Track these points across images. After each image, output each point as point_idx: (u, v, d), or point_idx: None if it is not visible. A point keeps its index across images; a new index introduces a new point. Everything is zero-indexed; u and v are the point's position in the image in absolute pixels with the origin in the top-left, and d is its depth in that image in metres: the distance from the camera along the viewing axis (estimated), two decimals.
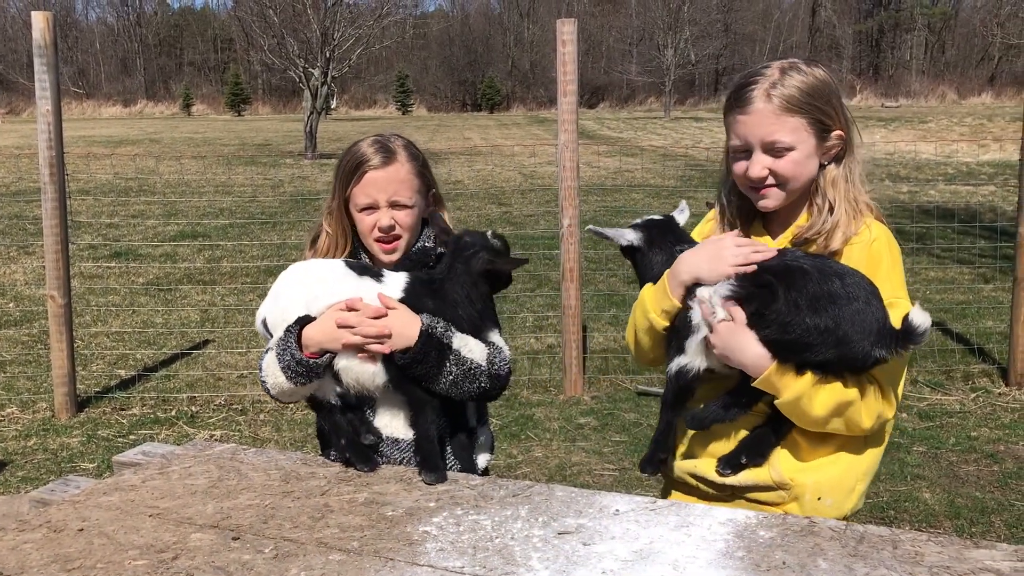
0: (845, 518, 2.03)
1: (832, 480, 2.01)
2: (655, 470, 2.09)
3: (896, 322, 1.85)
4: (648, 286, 2.07)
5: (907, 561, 1.58)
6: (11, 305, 8.25)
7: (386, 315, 2.09)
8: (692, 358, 1.98)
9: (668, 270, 2.02)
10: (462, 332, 2.13)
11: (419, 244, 2.39)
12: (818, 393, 1.88)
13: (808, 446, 2.00)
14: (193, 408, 5.77)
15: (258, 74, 60.27)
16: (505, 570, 1.60)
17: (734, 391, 1.99)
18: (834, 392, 1.88)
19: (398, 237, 2.32)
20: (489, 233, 2.19)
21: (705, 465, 2.07)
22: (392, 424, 2.24)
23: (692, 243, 2.10)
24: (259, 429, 5.42)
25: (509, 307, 7.83)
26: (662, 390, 2.10)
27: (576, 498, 1.89)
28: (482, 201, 14.34)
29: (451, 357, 2.08)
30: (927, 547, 1.63)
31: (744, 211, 2.14)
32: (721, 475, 2.03)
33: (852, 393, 1.88)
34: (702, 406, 2.03)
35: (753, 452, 2.01)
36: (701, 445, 2.09)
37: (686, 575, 1.57)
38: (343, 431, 2.15)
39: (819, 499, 2.00)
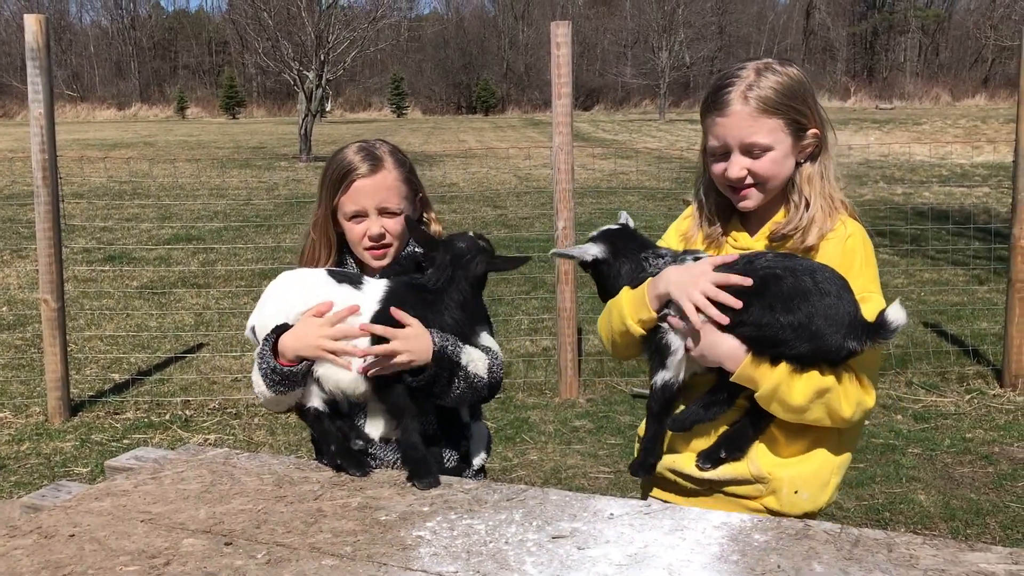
0: (820, 511, 2.08)
1: (808, 474, 2.05)
2: (647, 474, 2.15)
3: (869, 316, 1.90)
4: (626, 290, 2.10)
5: (902, 564, 1.57)
6: (4, 309, 8.22)
7: (358, 312, 2.09)
8: (674, 373, 2.04)
9: (650, 279, 2.05)
10: (457, 337, 2.13)
11: (408, 250, 2.39)
12: (796, 381, 1.92)
13: (785, 440, 2.04)
14: (187, 412, 5.75)
15: (253, 77, 60.21)
16: (499, 575, 1.59)
17: (713, 390, 2.04)
18: (812, 380, 1.92)
19: (389, 245, 2.32)
20: (471, 234, 2.20)
21: (684, 460, 2.11)
22: (385, 426, 2.23)
23: (655, 247, 2.15)
24: (253, 433, 5.40)
25: (504, 310, 7.82)
26: None
27: (570, 502, 1.88)
28: (477, 204, 14.33)
29: (460, 374, 2.11)
30: (922, 550, 1.62)
31: (721, 208, 2.18)
32: (701, 469, 2.07)
33: (829, 380, 1.92)
34: (683, 408, 2.08)
35: (732, 446, 2.04)
36: (681, 441, 2.13)
37: None
38: (332, 438, 2.15)
39: (796, 492, 2.04)
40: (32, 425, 5.55)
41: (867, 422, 5.34)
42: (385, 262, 2.33)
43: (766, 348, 1.92)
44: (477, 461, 2.38)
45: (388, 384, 2.10)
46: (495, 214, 13.36)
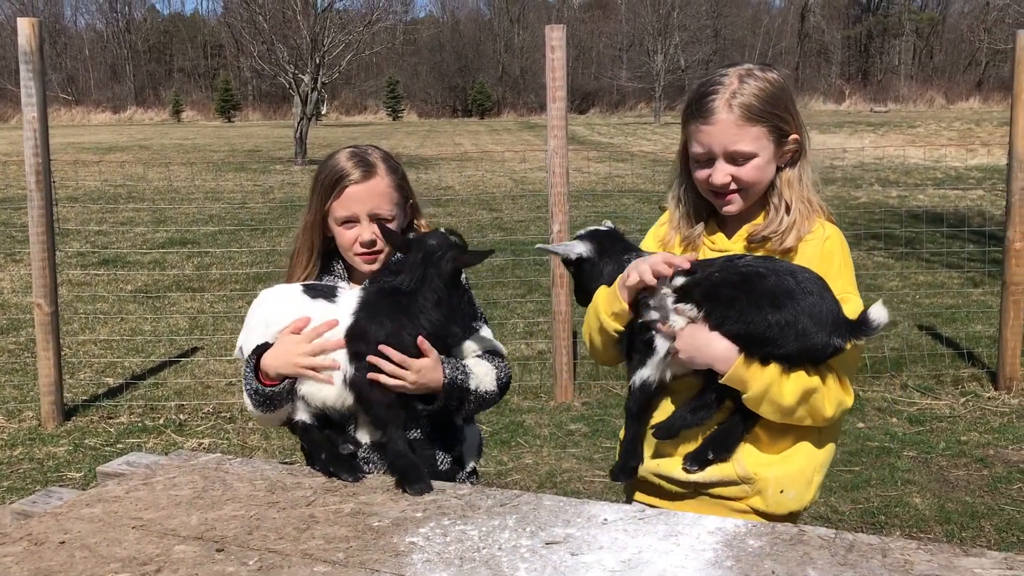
0: (804, 510, 2.10)
1: (793, 473, 2.07)
2: (628, 478, 2.15)
3: (851, 315, 1.94)
4: (602, 289, 2.13)
5: (897, 570, 1.57)
6: None
7: (336, 325, 2.13)
8: (654, 372, 2.05)
9: (621, 275, 2.07)
10: (430, 336, 2.12)
11: (397, 255, 2.38)
12: (785, 382, 1.94)
13: (769, 440, 2.06)
14: (181, 416, 5.73)
15: (248, 80, 60.15)
16: None
17: (700, 395, 2.05)
18: (800, 379, 1.94)
19: (380, 251, 2.32)
20: (442, 231, 2.21)
21: (669, 463, 2.11)
22: (376, 432, 2.22)
23: (638, 250, 2.18)
24: (248, 437, 5.38)
25: (500, 313, 7.81)
26: None
27: (564, 507, 1.88)
28: (473, 207, 14.33)
29: (470, 398, 2.22)
30: (917, 555, 1.61)
31: (698, 209, 2.21)
32: (688, 472, 2.07)
33: (816, 380, 1.96)
34: (669, 414, 2.09)
35: (719, 447, 2.05)
36: (663, 444, 2.12)
37: None
38: (323, 446, 2.15)
39: (781, 492, 2.06)
40: (25, 430, 5.53)
41: (861, 424, 5.35)
42: (375, 267, 2.32)
43: (756, 347, 1.93)
44: (470, 464, 2.39)
45: (371, 396, 2.09)
46: (491, 217, 13.36)
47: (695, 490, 2.10)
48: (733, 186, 2.08)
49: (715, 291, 1.96)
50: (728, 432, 2.05)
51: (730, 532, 1.73)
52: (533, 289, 8.59)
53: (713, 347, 1.96)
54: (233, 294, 8.76)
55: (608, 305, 2.08)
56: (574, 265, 2.20)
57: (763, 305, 1.91)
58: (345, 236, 2.32)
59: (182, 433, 5.47)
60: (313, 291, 2.20)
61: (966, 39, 57.99)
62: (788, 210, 2.09)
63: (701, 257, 2.17)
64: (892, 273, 9.17)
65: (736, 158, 2.06)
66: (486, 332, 2.40)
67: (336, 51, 24.27)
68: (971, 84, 55.19)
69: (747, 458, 2.05)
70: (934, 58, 61.78)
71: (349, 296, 2.17)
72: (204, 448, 5.23)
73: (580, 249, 2.16)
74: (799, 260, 2.06)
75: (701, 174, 2.11)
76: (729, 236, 2.18)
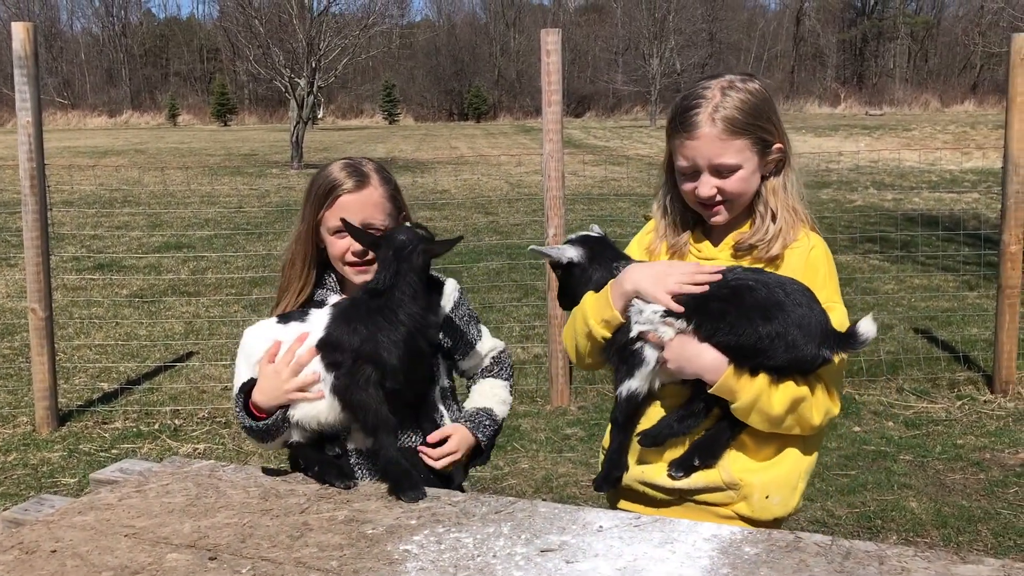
0: (789, 515, 2.11)
1: (779, 479, 2.07)
2: (611, 487, 2.15)
3: (836, 325, 1.97)
4: (590, 294, 2.12)
5: None
6: None
7: (305, 339, 2.15)
8: (642, 383, 2.05)
9: (612, 280, 2.07)
10: (411, 331, 2.11)
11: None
12: (775, 392, 1.95)
13: (754, 446, 2.06)
14: (176, 421, 5.71)
15: (244, 84, 60.09)
16: None
17: (688, 404, 2.05)
18: (789, 389, 1.96)
19: (371, 261, 2.31)
20: (408, 225, 2.26)
21: (653, 470, 2.11)
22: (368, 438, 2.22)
23: (627, 258, 2.18)
24: (243, 442, 5.36)
25: (495, 316, 7.80)
26: None
27: (559, 514, 1.87)
28: (469, 210, 14.33)
29: (497, 430, 2.41)
30: (914, 563, 1.61)
31: (685, 218, 2.22)
32: (673, 478, 2.07)
33: (804, 390, 1.97)
34: (655, 423, 2.08)
35: (706, 454, 2.05)
36: (647, 451, 2.12)
37: None
38: (315, 458, 2.15)
39: (767, 497, 2.06)
40: (19, 435, 5.51)
41: (857, 428, 5.34)
42: (366, 278, 2.30)
43: (746, 358, 1.94)
44: (457, 480, 2.39)
45: (356, 401, 2.08)
46: (487, 220, 13.35)
47: (680, 497, 2.10)
48: (719, 198, 2.10)
49: (705, 304, 1.96)
50: (715, 439, 2.05)
51: (726, 539, 1.72)
52: (529, 293, 8.58)
53: (703, 358, 1.96)
54: (229, 298, 8.74)
55: (598, 311, 2.07)
56: (563, 269, 2.19)
57: (753, 317, 1.92)
58: (337, 246, 2.32)
59: (177, 438, 5.45)
60: (286, 318, 2.25)
61: (961, 42, 58.11)
62: (774, 218, 2.11)
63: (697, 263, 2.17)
64: (888, 276, 9.18)
65: (721, 170, 2.07)
66: (486, 335, 2.49)
67: (332, 55, 24.26)
68: (966, 87, 55.31)
69: (733, 464, 2.06)
70: (929, 61, 61.92)
71: (319, 315, 2.18)
72: (199, 453, 5.22)
73: (571, 254, 2.17)
74: (785, 268, 2.08)
75: (687, 187, 2.12)
76: (715, 244, 2.19)
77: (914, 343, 6.95)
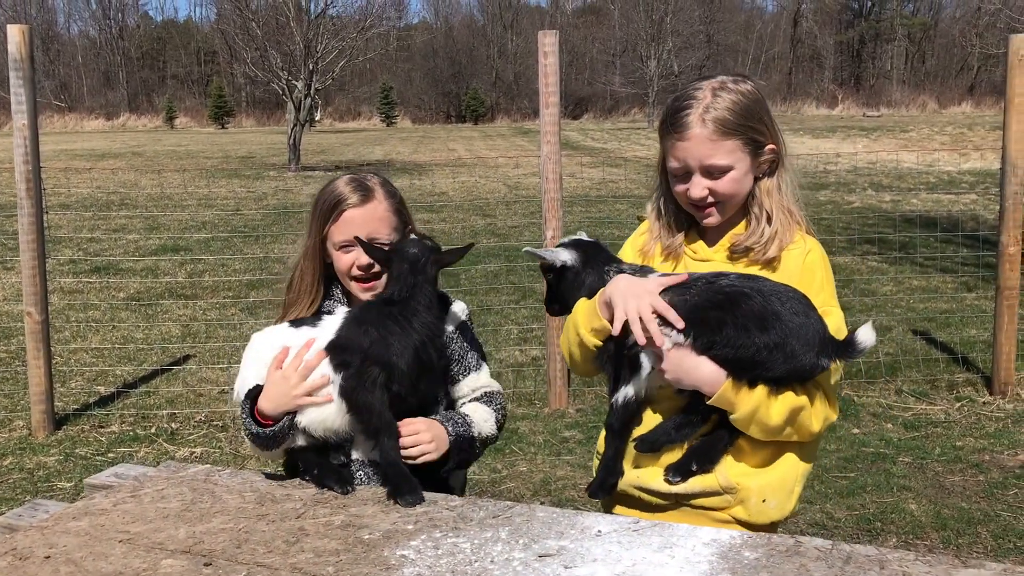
0: (785, 519, 2.10)
1: (775, 482, 2.06)
2: (607, 495, 2.13)
3: (833, 329, 1.95)
4: (582, 302, 2.11)
5: None
6: None
7: (312, 344, 2.16)
8: (637, 389, 2.03)
9: (602, 289, 2.06)
10: (423, 339, 2.13)
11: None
12: (773, 403, 1.94)
13: (751, 450, 2.05)
14: (173, 425, 5.69)
15: (241, 87, 60.07)
16: None
17: (685, 411, 2.04)
18: (787, 400, 1.95)
19: (378, 275, 2.32)
20: (415, 237, 2.28)
21: (649, 475, 2.09)
22: (370, 444, 2.20)
23: (620, 262, 2.16)
24: (240, 446, 5.34)
25: (494, 319, 7.79)
26: None
27: (557, 519, 1.85)
28: (466, 212, 14.31)
29: (476, 446, 2.28)
30: (915, 567, 1.59)
31: (679, 220, 2.21)
32: (670, 483, 2.05)
33: (803, 399, 1.96)
34: (651, 428, 2.07)
35: (703, 459, 2.04)
36: (642, 456, 2.10)
37: None
38: (315, 461, 2.14)
39: (763, 501, 2.05)
40: (16, 439, 5.48)
41: (856, 430, 5.33)
42: (372, 292, 2.33)
43: (744, 371, 1.92)
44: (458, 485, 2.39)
45: (361, 402, 2.08)
46: (484, 223, 13.34)
47: (677, 502, 2.08)
48: (711, 199, 2.09)
49: (701, 314, 1.94)
50: (712, 444, 2.03)
51: (725, 544, 1.71)
52: (527, 295, 8.57)
53: (700, 370, 1.94)
54: (226, 301, 8.73)
55: (588, 320, 2.06)
56: (555, 273, 2.18)
57: (751, 328, 1.90)
58: (343, 260, 2.34)
59: (174, 442, 5.43)
60: (297, 323, 2.26)
61: (958, 44, 58.21)
62: (769, 220, 2.09)
63: (682, 267, 2.16)
64: (886, 278, 9.17)
65: (712, 171, 2.06)
66: (485, 371, 2.43)
67: (329, 57, 24.24)
68: (963, 88, 55.38)
69: (730, 468, 2.04)
70: (926, 63, 61.99)
71: (332, 320, 2.20)
72: (196, 457, 5.20)
73: (565, 257, 2.15)
74: (781, 271, 2.06)
75: (679, 188, 2.12)
76: (710, 245, 2.18)
77: (913, 345, 6.94)
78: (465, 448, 2.23)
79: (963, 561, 1.61)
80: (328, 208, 2.33)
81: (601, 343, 2.05)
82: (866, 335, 1.89)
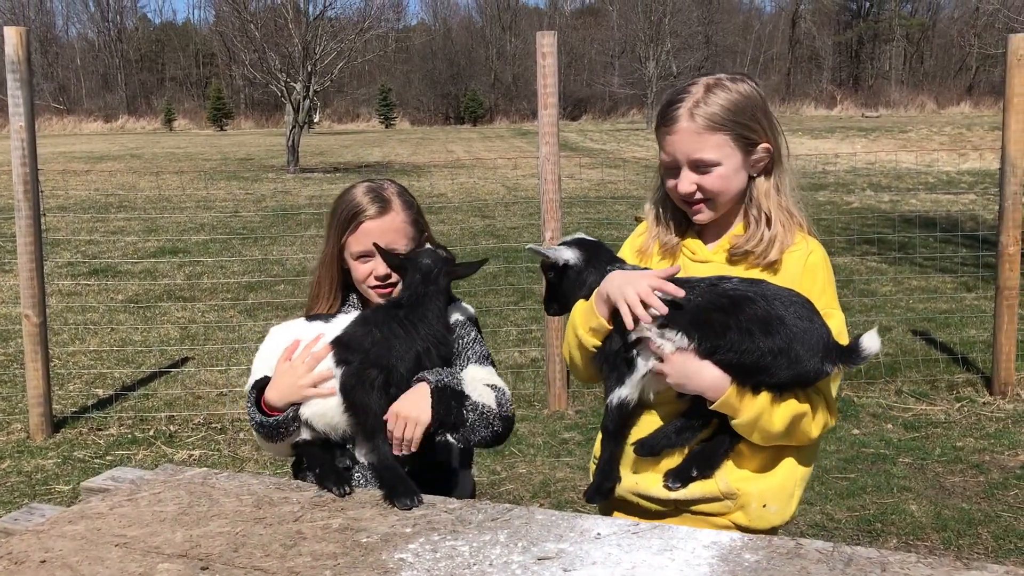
0: (786, 524, 2.08)
1: (775, 487, 2.05)
2: (603, 499, 2.11)
3: (834, 330, 1.94)
4: (580, 303, 2.10)
5: None
6: None
7: (320, 338, 2.19)
8: (632, 391, 2.01)
9: (598, 288, 2.04)
10: (427, 346, 2.15)
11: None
12: (776, 409, 1.92)
13: (751, 455, 2.04)
14: (172, 427, 5.68)
15: (240, 89, 60.03)
16: None
17: (687, 416, 2.02)
18: (790, 406, 1.93)
19: (394, 285, 2.34)
20: (430, 247, 2.30)
21: (648, 481, 2.07)
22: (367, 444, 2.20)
23: (622, 262, 2.15)
24: (238, 448, 5.33)
25: (493, 320, 7.77)
26: None
27: (556, 521, 1.84)
28: (465, 214, 14.30)
29: (468, 404, 2.11)
30: (916, 569, 1.58)
31: (677, 218, 2.20)
32: (670, 489, 2.04)
33: (805, 406, 1.95)
34: (651, 431, 2.05)
35: (704, 464, 2.02)
36: (641, 461, 2.08)
37: None
38: (318, 459, 2.14)
39: (764, 506, 2.04)
40: (13, 442, 5.47)
41: (856, 431, 5.32)
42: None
43: (749, 376, 1.90)
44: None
45: (359, 400, 2.09)
46: (483, 224, 13.33)
47: (676, 508, 2.07)
48: (699, 195, 2.07)
49: (704, 317, 1.92)
50: (713, 450, 2.02)
51: (726, 546, 1.70)
52: (526, 296, 8.56)
53: (703, 375, 1.92)
54: (224, 303, 8.71)
55: (586, 320, 2.04)
56: (557, 272, 2.16)
57: (755, 333, 1.88)
58: (360, 270, 2.36)
59: (172, 445, 5.42)
60: (312, 318, 2.31)
61: (956, 44, 58.27)
62: (769, 222, 2.07)
63: (680, 265, 2.14)
64: (885, 278, 9.17)
65: (700, 166, 2.05)
66: (490, 369, 2.34)
67: (328, 59, 24.24)
68: (961, 89, 55.41)
69: (730, 473, 2.03)
70: (924, 63, 62.02)
71: (346, 316, 2.25)
72: (194, 459, 5.19)
73: (567, 256, 2.13)
74: (782, 274, 2.05)
75: (670, 183, 2.11)
76: (707, 243, 2.17)
77: (912, 345, 6.93)
78: (450, 400, 2.07)
79: (965, 564, 1.59)
80: (346, 219, 2.36)
81: (600, 343, 2.03)
82: (870, 342, 1.87)
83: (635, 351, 1.98)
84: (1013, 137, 5.62)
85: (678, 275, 2.01)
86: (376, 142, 36.88)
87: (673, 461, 2.05)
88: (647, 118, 45.68)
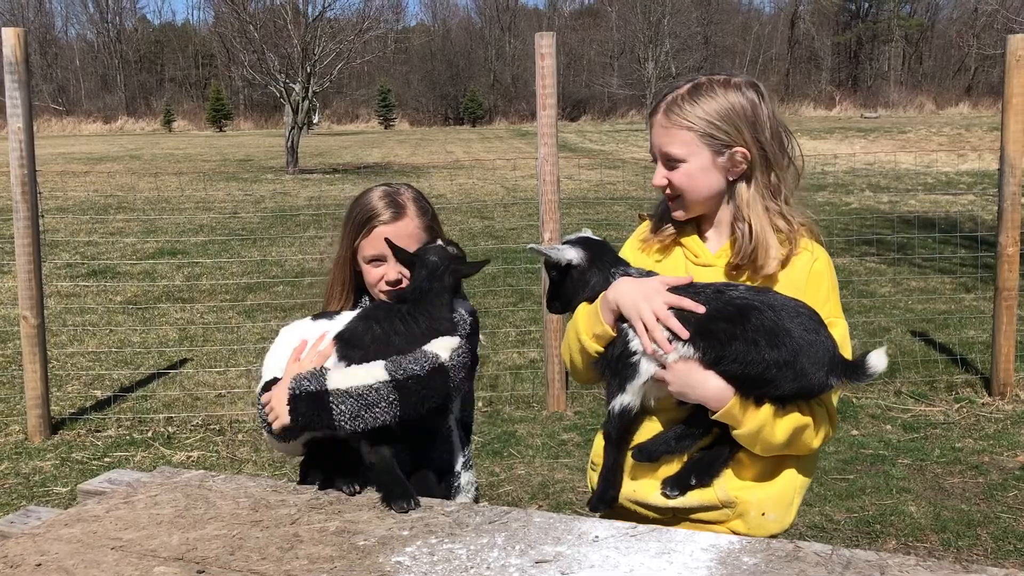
0: (785, 532, 2.06)
1: (774, 495, 2.03)
2: (607, 507, 2.08)
3: (838, 339, 1.92)
4: (583, 307, 2.07)
5: None
6: None
7: (325, 336, 2.19)
8: (634, 397, 1.98)
9: (603, 293, 2.02)
10: (443, 335, 2.13)
11: None
12: (779, 421, 1.90)
13: (750, 462, 2.02)
14: (170, 429, 5.67)
15: (239, 90, 60.01)
16: None
17: (687, 423, 2.00)
18: (793, 419, 1.92)
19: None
20: (440, 244, 2.29)
21: (645, 489, 2.05)
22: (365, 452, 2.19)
23: (627, 265, 2.11)
24: (237, 450, 5.33)
25: (491, 321, 7.77)
26: None
27: (554, 524, 1.83)
28: (464, 215, 14.30)
29: (330, 399, 2.03)
30: (916, 572, 1.58)
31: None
32: (668, 497, 2.02)
33: (807, 418, 1.93)
34: (651, 437, 2.03)
35: (703, 473, 2.00)
36: (639, 468, 2.06)
37: None
38: (329, 457, 2.14)
39: (763, 515, 2.02)
40: (11, 444, 5.46)
41: (855, 432, 5.31)
42: None
43: (753, 388, 1.88)
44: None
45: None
46: (482, 225, 13.33)
47: (674, 516, 2.04)
48: (669, 191, 2.09)
49: (709, 327, 1.89)
50: (713, 459, 2.00)
51: (724, 549, 1.69)
52: (525, 297, 8.56)
53: (707, 386, 1.90)
54: (223, 304, 8.70)
55: (589, 325, 2.02)
56: (560, 271, 2.12)
57: (761, 344, 1.85)
58: (372, 274, 2.36)
59: (171, 446, 5.41)
60: (317, 317, 2.31)
61: (955, 45, 58.30)
62: (751, 231, 2.02)
63: (681, 266, 2.12)
64: (884, 279, 9.16)
65: (668, 160, 2.06)
66: (445, 340, 2.16)
67: (327, 60, 24.23)
68: (960, 89, 55.45)
69: (728, 482, 2.01)
70: (923, 64, 62.06)
71: (348, 314, 2.26)
72: (193, 461, 5.18)
73: (571, 255, 2.09)
74: (785, 282, 2.01)
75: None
76: (705, 241, 2.15)
77: (911, 346, 6.93)
78: (301, 403, 2.04)
79: (964, 567, 1.59)
80: (360, 223, 2.36)
81: (603, 348, 2.01)
82: (877, 360, 1.84)
83: (634, 354, 1.96)
84: (1012, 138, 5.61)
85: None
86: (375, 143, 36.87)
87: (671, 468, 2.03)
88: (646, 119, 45.69)
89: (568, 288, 2.12)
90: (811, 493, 4.46)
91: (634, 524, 1.84)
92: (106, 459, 5.21)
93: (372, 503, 1.98)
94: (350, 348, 2.13)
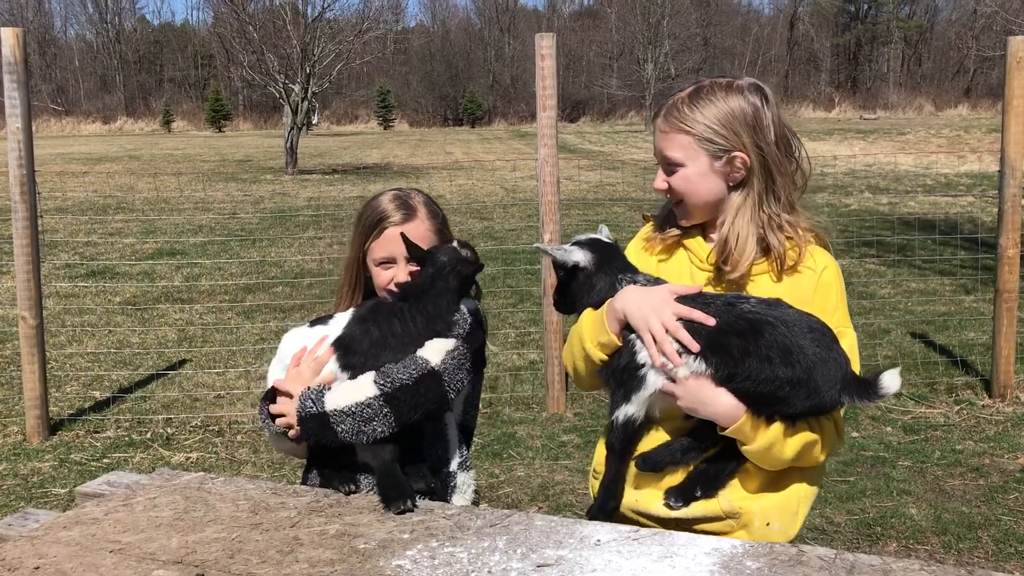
0: (791, 542, 2.02)
1: (779, 505, 2.01)
2: (608, 518, 2.03)
3: (847, 350, 1.90)
4: (588, 313, 2.04)
5: None
6: None
7: (324, 340, 2.21)
8: (639, 409, 1.95)
9: (609, 300, 1.98)
10: (442, 336, 2.13)
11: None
12: (789, 440, 1.88)
13: (755, 473, 1.99)
14: (169, 430, 5.65)
15: (239, 90, 59.98)
16: None
17: (693, 436, 1.97)
18: (803, 436, 1.90)
19: None
20: (454, 244, 2.27)
21: (648, 498, 2.02)
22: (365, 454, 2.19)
23: (635, 271, 2.06)
24: (236, 451, 5.31)
25: (491, 322, 7.70)
26: None
27: (556, 528, 1.82)
28: (464, 216, 14.29)
29: (331, 420, 2.05)
30: None
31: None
32: (671, 508, 1.99)
33: (816, 435, 1.92)
34: (655, 446, 2.00)
35: (709, 485, 1.97)
36: (642, 478, 2.03)
37: None
38: (328, 459, 2.14)
39: (768, 525, 1.99)
40: (10, 445, 5.45)
41: (856, 434, 5.31)
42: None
43: (764, 405, 1.84)
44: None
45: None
46: (482, 226, 13.32)
47: (677, 526, 2.00)
48: (670, 195, 2.08)
49: (721, 341, 1.85)
50: (719, 471, 1.96)
51: (727, 553, 1.68)
52: (524, 298, 8.55)
53: (718, 403, 1.87)
54: (223, 305, 8.69)
55: (594, 333, 1.98)
56: (566, 271, 2.08)
57: (774, 361, 1.81)
58: (381, 276, 2.35)
59: (170, 447, 5.40)
60: (314, 321, 2.32)
61: (954, 46, 58.30)
62: (738, 239, 1.99)
63: (687, 269, 2.10)
64: (884, 280, 9.16)
65: (668, 164, 2.05)
66: (435, 343, 2.17)
67: (326, 61, 24.22)
68: (960, 91, 55.49)
69: (732, 492, 1.98)
70: (923, 65, 62.10)
71: (342, 316, 2.25)
72: (192, 462, 5.17)
73: (578, 257, 2.05)
74: (792, 292, 1.98)
75: None
76: (708, 243, 2.13)
77: (911, 348, 6.92)
78: (309, 421, 2.07)
79: (968, 570, 1.58)
80: (370, 224, 2.36)
81: (607, 357, 1.97)
82: (890, 381, 1.81)
83: (641, 365, 1.92)
84: (1012, 139, 5.61)
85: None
86: (374, 143, 36.87)
87: (675, 478, 2.00)
88: (645, 120, 45.67)
89: (574, 290, 2.08)
90: None
91: (636, 528, 1.83)
92: (105, 460, 5.20)
93: (372, 506, 1.97)
94: (350, 354, 2.12)
